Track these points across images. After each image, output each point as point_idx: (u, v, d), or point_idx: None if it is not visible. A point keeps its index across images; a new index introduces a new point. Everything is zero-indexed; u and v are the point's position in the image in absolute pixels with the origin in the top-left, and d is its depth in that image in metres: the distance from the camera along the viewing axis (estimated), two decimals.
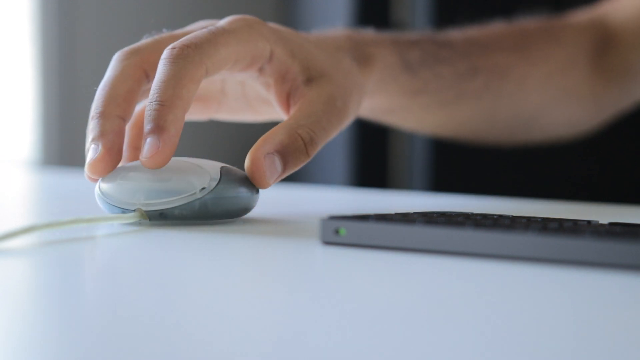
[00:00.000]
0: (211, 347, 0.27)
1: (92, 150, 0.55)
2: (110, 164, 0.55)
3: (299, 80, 0.60)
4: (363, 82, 0.66)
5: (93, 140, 0.55)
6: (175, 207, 0.52)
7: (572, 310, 0.32)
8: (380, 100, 0.72)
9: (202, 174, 0.53)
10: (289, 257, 0.45)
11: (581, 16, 0.90)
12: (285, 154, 0.56)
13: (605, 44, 0.88)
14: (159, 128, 0.52)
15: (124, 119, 0.56)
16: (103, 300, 0.34)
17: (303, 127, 0.58)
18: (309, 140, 0.57)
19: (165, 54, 0.54)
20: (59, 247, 0.45)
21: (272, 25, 0.60)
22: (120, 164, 0.55)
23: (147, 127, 0.53)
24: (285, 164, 0.56)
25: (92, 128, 0.55)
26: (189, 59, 0.54)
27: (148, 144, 0.53)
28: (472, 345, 0.27)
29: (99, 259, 0.45)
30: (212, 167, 0.54)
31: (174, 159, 0.56)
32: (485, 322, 0.30)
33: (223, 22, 0.58)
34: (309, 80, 0.60)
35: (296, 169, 0.57)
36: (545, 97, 0.86)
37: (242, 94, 0.65)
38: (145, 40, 0.59)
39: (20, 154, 2.25)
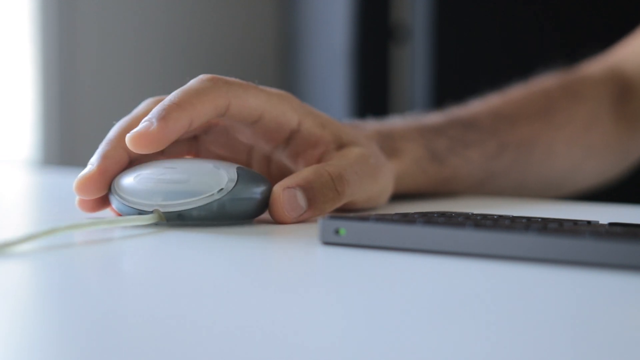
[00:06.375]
0: (210, 347, 0.27)
1: (86, 169, 0.54)
2: (98, 185, 0.54)
3: (331, 147, 0.59)
4: (392, 170, 0.65)
5: (91, 161, 0.55)
6: (193, 208, 0.52)
7: (572, 310, 0.32)
8: (409, 189, 0.71)
9: (219, 175, 0.53)
10: (288, 257, 0.44)
11: (596, 66, 0.89)
12: (309, 189, 0.54)
13: (625, 92, 0.88)
14: (159, 116, 0.52)
15: (128, 154, 0.55)
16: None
17: (331, 165, 0.56)
18: (337, 175, 0.56)
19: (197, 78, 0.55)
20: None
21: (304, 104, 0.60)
22: None
23: (149, 115, 0.52)
24: (310, 200, 0.54)
25: (96, 152, 0.55)
26: (217, 86, 0.54)
27: (141, 125, 0.52)
28: (472, 345, 0.27)
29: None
30: (229, 168, 0.54)
31: (190, 159, 0.55)
32: (485, 322, 0.30)
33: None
34: (341, 147, 0.59)
35: (327, 207, 0.55)
36: (573, 158, 0.85)
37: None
38: None
39: (20, 154, 2.25)
